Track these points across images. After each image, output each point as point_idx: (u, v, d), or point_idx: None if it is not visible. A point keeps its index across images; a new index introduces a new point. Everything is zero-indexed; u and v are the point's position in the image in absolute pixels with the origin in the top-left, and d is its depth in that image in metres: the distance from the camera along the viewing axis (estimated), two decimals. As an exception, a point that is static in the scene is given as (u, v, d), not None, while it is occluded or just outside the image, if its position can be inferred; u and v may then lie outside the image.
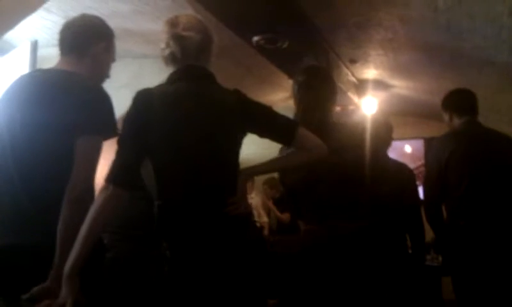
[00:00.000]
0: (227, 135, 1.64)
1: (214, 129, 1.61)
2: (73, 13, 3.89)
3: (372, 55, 4.66)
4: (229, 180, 1.64)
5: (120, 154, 1.56)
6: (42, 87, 1.65)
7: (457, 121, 2.85)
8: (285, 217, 5.56)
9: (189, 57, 1.66)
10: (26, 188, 1.60)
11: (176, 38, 1.64)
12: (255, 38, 4.01)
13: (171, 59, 1.67)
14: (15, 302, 1.51)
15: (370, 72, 5.23)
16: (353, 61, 4.87)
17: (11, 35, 3.66)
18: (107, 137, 1.62)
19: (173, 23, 1.66)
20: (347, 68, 5.09)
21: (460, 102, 2.90)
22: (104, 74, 1.84)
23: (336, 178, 2.11)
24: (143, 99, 1.59)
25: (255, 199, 5.91)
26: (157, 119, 1.56)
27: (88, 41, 1.74)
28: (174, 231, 1.60)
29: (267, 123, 1.70)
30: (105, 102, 1.64)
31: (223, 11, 3.52)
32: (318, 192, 2.15)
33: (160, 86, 1.66)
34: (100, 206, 1.50)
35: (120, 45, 5.06)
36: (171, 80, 1.67)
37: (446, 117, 2.91)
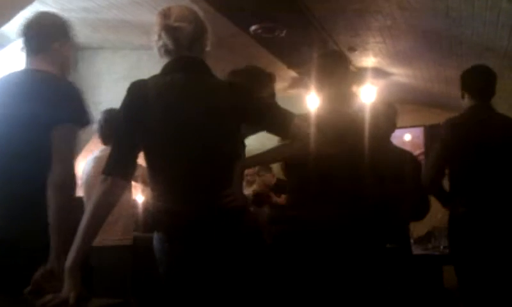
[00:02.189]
0: (222, 126, 1.63)
1: (208, 120, 1.60)
2: (69, 5, 3.89)
3: (370, 43, 4.64)
4: (225, 171, 1.63)
5: (116, 146, 1.58)
6: (18, 88, 1.75)
7: (468, 102, 2.71)
8: (282, 199, 5.55)
9: (181, 48, 1.64)
10: (7, 181, 1.69)
11: (168, 29, 1.63)
12: (253, 28, 3.99)
13: (164, 50, 1.66)
14: (19, 298, 1.52)
15: (369, 60, 5.21)
16: (352, 49, 4.85)
17: (7, 28, 3.64)
18: (82, 125, 1.72)
19: (165, 15, 1.65)
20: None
21: (476, 82, 2.71)
22: (71, 65, 1.92)
23: (333, 166, 2.11)
24: (138, 90, 1.60)
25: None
26: (151, 110, 1.56)
27: (50, 39, 1.81)
28: (171, 224, 1.59)
29: (262, 115, 1.69)
30: (76, 94, 1.73)
31: (220, 0, 3.50)
32: (312, 179, 2.15)
33: (154, 77, 1.65)
34: (100, 199, 1.50)
35: (117, 37, 5.05)
36: (165, 71, 1.66)
37: (460, 94, 2.77)
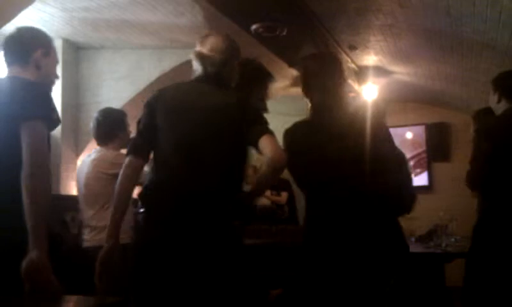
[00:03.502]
0: (224, 124, 1.84)
1: (214, 121, 1.84)
2: (70, 4, 3.89)
3: (371, 41, 4.64)
4: (224, 163, 1.84)
5: (137, 133, 1.93)
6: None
7: (504, 106, 2.66)
8: (282, 198, 5.55)
9: (209, 73, 1.91)
10: None
11: (201, 57, 1.91)
12: (254, 26, 3.99)
13: (194, 70, 1.95)
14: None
15: (370, 59, 5.21)
16: (353, 48, 4.85)
17: (8, 28, 3.65)
18: (49, 122, 1.83)
19: (202, 42, 1.95)
20: (347, 54, 5.07)
21: None
22: (50, 76, 2.04)
23: (339, 163, 2.11)
24: (157, 94, 1.94)
25: None
26: (163, 109, 1.88)
27: (27, 51, 1.95)
28: (156, 202, 1.83)
29: (249, 128, 1.85)
30: (41, 94, 1.86)
31: (221, -1, 3.51)
32: (323, 182, 2.14)
33: (174, 84, 1.98)
34: (126, 173, 1.86)
35: (118, 36, 5.03)
36: (190, 80, 1.95)
37: (494, 98, 2.71)
